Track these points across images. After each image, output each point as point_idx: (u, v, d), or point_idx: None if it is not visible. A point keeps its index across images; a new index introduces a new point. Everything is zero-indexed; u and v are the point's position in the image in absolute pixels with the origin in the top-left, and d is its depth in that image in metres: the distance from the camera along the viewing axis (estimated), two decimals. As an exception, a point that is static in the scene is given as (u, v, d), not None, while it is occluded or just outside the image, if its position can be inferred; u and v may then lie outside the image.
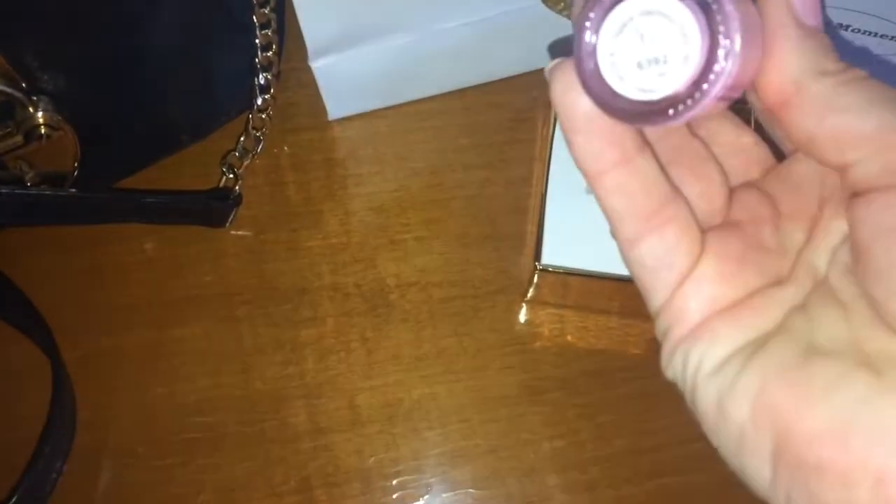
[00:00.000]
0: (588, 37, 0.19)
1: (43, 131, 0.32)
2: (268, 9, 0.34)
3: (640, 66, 0.19)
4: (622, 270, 0.31)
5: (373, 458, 0.36)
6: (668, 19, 0.19)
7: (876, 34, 0.36)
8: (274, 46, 0.36)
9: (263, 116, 0.38)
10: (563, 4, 0.32)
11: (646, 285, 0.24)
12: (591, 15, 0.19)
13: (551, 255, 0.35)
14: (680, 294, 0.24)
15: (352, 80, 0.38)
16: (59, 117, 0.32)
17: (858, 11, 0.35)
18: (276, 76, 0.37)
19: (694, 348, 0.23)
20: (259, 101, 0.38)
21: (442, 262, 0.39)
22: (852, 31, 0.36)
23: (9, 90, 0.31)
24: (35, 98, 0.32)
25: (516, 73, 0.41)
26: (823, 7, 0.21)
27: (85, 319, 0.38)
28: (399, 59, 0.38)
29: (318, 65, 0.36)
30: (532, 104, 0.41)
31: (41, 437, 0.34)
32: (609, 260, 0.34)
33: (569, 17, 0.32)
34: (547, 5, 0.31)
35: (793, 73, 0.20)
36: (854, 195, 0.20)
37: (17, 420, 0.36)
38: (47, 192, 0.33)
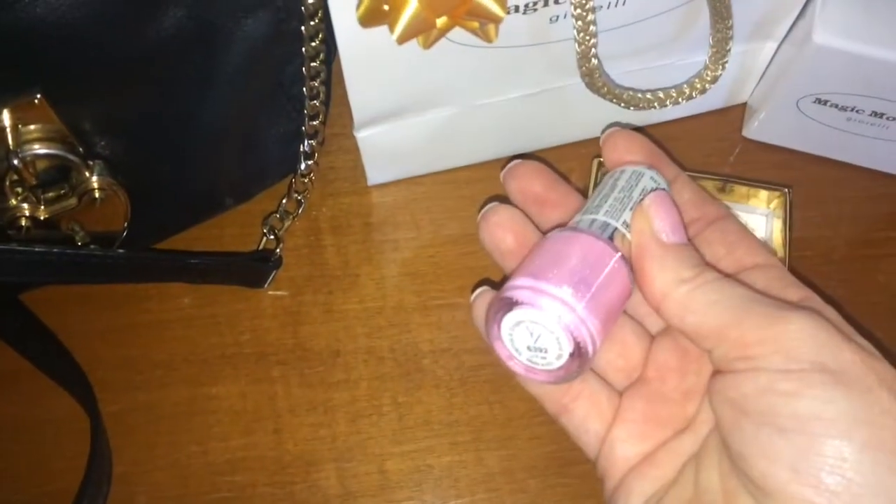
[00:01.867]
0: (495, 319, 0.28)
1: (97, 195, 0.33)
2: (318, 82, 0.35)
3: (529, 349, 0.28)
4: None
5: (401, 525, 0.36)
6: (548, 330, 0.26)
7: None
8: (321, 116, 0.37)
9: (306, 181, 0.39)
10: (606, 89, 0.33)
11: (578, 444, 0.31)
12: (496, 312, 0.28)
13: None
14: (602, 454, 0.29)
15: (393, 149, 0.39)
16: (113, 182, 0.33)
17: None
18: (321, 143, 0.38)
19: (619, 501, 0.28)
20: (303, 167, 0.39)
21: (474, 330, 0.39)
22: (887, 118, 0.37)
23: (67, 155, 0.32)
24: (91, 163, 0.33)
25: (554, 144, 0.42)
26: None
27: (123, 375, 0.38)
28: (440, 131, 0.39)
29: (362, 135, 0.37)
30: (567, 175, 0.42)
31: (79, 490, 0.34)
32: None
33: (611, 99, 0.33)
34: (590, 89, 0.32)
35: (658, 285, 0.26)
36: (715, 372, 0.26)
37: (53, 473, 0.36)
38: (97, 253, 0.34)
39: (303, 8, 0.32)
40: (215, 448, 0.37)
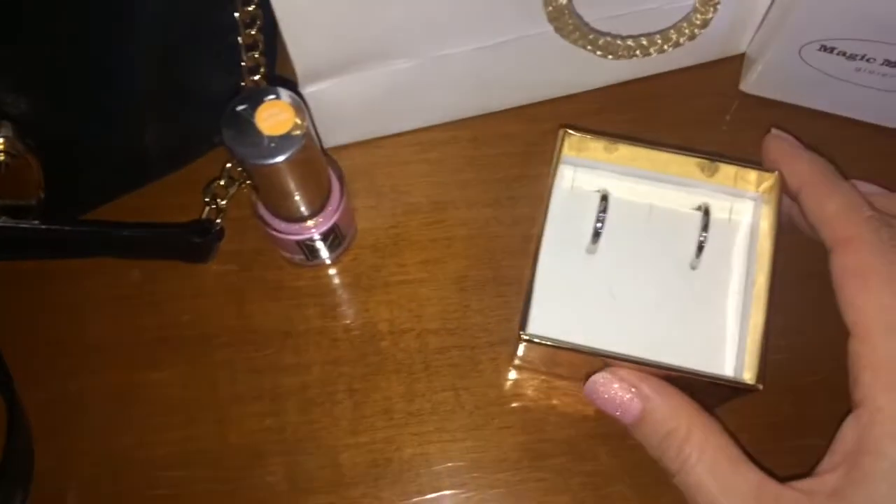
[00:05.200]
0: None
1: (2, 159, 0.30)
2: (255, 29, 0.31)
3: None
4: (615, 347, 0.28)
5: (355, 525, 0.33)
6: None
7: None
8: (262, 69, 0.33)
9: (251, 144, 0.35)
10: (578, 34, 0.28)
11: None
12: None
13: (540, 323, 0.31)
14: None
15: (346, 108, 0.35)
16: (21, 145, 0.30)
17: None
18: (265, 101, 0.34)
19: None
20: (246, 128, 0.34)
21: (440, 308, 0.36)
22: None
23: (-36, 114, 0.28)
24: (-5, 123, 0.29)
25: (528, 102, 0.38)
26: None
27: (52, 360, 0.35)
28: (399, 86, 0.35)
29: (308, 91, 0.33)
30: (544, 137, 0.38)
31: (-8, 490, 0.31)
32: (600, 334, 0.31)
33: (584, 46, 0.29)
34: (560, 34, 0.28)
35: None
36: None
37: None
38: (7, 225, 0.30)
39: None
40: (152, 440, 0.34)
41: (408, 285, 0.36)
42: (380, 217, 0.37)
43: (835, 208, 0.30)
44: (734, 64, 0.39)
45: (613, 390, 0.29)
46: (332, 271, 0.36)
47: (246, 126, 0.27)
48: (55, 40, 0.29)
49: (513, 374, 0.35)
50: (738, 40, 0.38)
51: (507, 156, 0.38)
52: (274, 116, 0.27)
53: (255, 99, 0.27)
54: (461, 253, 0.37)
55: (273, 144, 0.27)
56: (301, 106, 0.27)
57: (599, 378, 0.29)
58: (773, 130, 0.33)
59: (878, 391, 0.26)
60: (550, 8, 0.27)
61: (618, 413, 0.29)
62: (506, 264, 0.36)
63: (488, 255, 0.36)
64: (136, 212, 0.37)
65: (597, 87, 0.38)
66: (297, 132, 0.27)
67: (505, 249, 0.36)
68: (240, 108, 0.27)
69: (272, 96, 0.27)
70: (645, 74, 0.38)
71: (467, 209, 0.37)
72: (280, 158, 0.27)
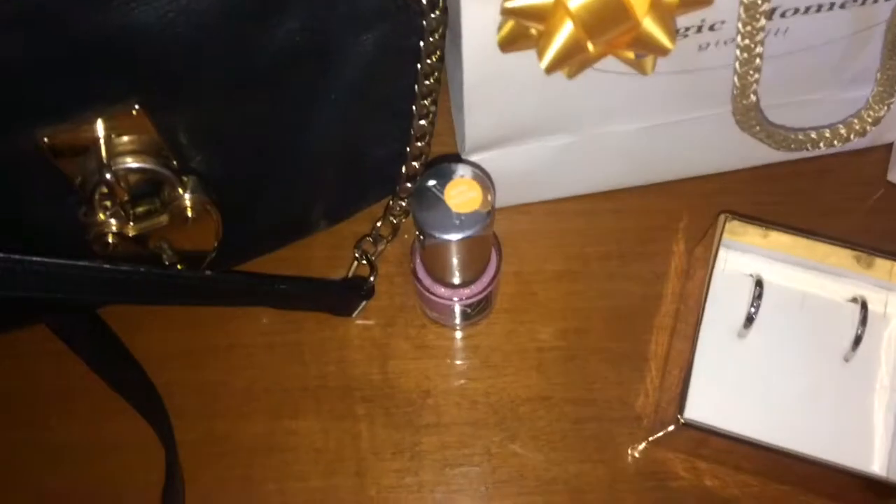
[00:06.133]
0: None
1: (189, 213, 0.31)
2: (429, 101, 0.32)
3: None
4: (765, 435, 0.28)
5: (490, 591, 0.33)
6: None
7: None
8: (427, 137, 0.34)
9: (404, 204, 0.36)
10: (759, 128, 0.29)
11: None
12: None
13: (693, 406, 0.31)
14: None
15: (501, 175, 0.36)
16: (207, 199, 0.31)
17: None
18: (424, 165, 0.35)
19: None
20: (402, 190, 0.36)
21: (578, 378, 0.36)
22: None
23: (161, 169, 0.30)
24: (185, 178, 0.31)
25: (675, 178, 0.39)
26: None
27: (201, 401, 0.36)
28: (554, 159, 0.35)
29: (472, 159, 0.34)
30: (688, 213, 0.38)
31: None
32: (750, 421, 0.31)
33: (762, 139, 0.30)
34: (741, 126, 0.29)
35: None
36: None
37: (122, 502, 0.34)
38: (185, 274, 0.32)
39: (424, 22, 0.29)
40: (293, 488, 0.35)
41: (547, 353, 0.36)
42: (522, 283, 0.38)
43: None
44: (881, 153, 0.39)
45: None
46: (473, 332, 0.37)
47: (435, 201, 0.28)
48: (252, 104, 0.30)
49: (648, 451, 0.35)
50: (889, 131, 0.38)
51: (650, 230, 0.38)
52: (463, 194, 0.28)
53: (445, 175, 0.28)
54: (601, 324, 0.37)
55: (458, 221, 0.28)
56: (488, 185, 0.28)
57: None
58: None
59: None
60: (740, 104, 0.27)
61: None
62: (645, 339, 0.37)
63: (629, 328, 0.37)
64: (285, 261, 0.38)
65: (746, 167, 0.38)
66: (485, 210, 0.28)
67: (645, 324, 0.37)
68: (430, 182, 0.28)
69: (461, 174, 0.28)
70: (793, 158, 0.38)
71: (608, 281, 0.38)
72: (465, 235, 0.28)
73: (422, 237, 0.29)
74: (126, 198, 0.30)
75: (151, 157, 0.30)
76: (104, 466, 0.35)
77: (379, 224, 0.37)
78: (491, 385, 0.36)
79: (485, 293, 0.33)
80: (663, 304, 0.37)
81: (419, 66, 0.31)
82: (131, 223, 0.31)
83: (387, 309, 0.38)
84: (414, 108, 0.33)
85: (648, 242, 0.38)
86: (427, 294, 0.33)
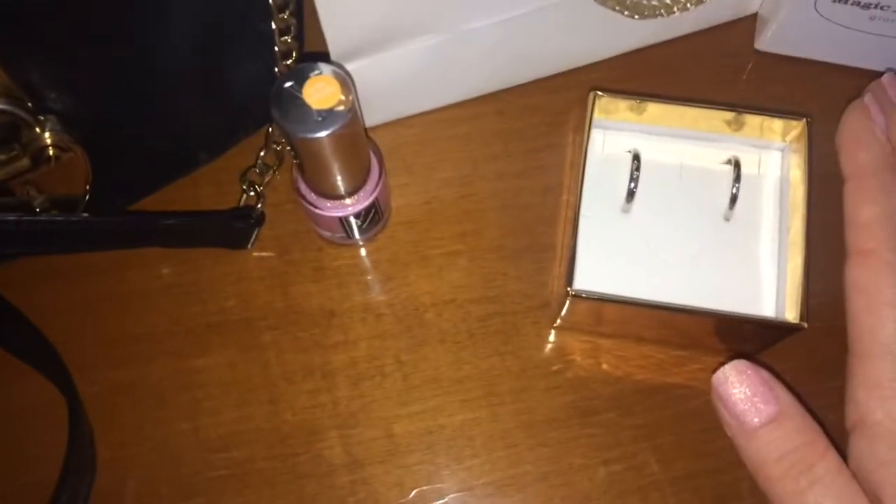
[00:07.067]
0: None
1: (51, 153, 0.30)
2: (287, 13, 0.32)
3: None
4: (660, 296, 0.29)
5: (415, 491, 0.33)
6: None
7: None
8: (294, 53, 0.34)
9: (283, 128, 0.36)
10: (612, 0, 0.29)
11: None
12: None
13: (584, 281, 0.32)
14: None
15: (376, 87, 0.36)
16: (68, 137, 0.30)
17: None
18: (297, 86, 0.35)
19: None
20: (279, 113, 0.35)
21: (479, 278, 0.36)
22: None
23: (13, 110, 0.29)
24: (42, 118, 0.30)
25: (553, 73, 0.39)
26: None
27: (102, 352, 0.35)
28: (426, 63, 0.35)
29: (341, 71, 0.34)
30: (568, 106, 0.39)
31: (59, 480, 0.32)
32: (643, 288, 0.32)
33: (621, 12, 0.30)
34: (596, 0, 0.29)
35: None
36: None
37: (30, 462, 0.34)
38: (58, 218, 0.31)
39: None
40: (207, 423, 0.34)
41: (446, 258, 0.37)
42: (413, 194, 0.38)
43: (867, 216, 0.29)
44: (746, 24, 0.40)
45: (748, 378, 0.27)
46: (370, 249, 0.37)
47: (293, 101, 0.28)
48: (95, 36, 0.29)
49: (554, 337, 0.36)
50: (749, 1, 0.39)
51: (533, 127, 0.39)
52: (320, 91, 0.27)
53: (302, 75, 0.28)
54: (495, 223, 0.37)
55: (320, 118, 0.27)
56: (346, 79, 0.28)
57: (731, 370, 0.27)
58: (867, 97, 0.31)
59: (874, 407, 0.26)
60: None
61: (744, 410, 0.26)
62: (539, 231, 0.37)
63: (522, 223, 0.37)
64: (174, 203, 0.37)
65: (615, 54, 0.39)
66: (344, 106, 0.27)
67: (538, 218, 0.37)
68: (287, 84, 0.28)
69: (317, 71, 0.28)
70: (660, 40, 0.39)
71: (498, 181, 0.38)
72: (328, 131, 0.27)
73: (290, 147, 0.29)
74: (-22, 143, 0.29)
75: (2, 98, 0.29)
76: (7, 430, 0.34)
77: (262, 153, 0.37)
78: (394, 296, 0.36)
79: (370, 200, 0.33)
80: (554, 195, 0.38)
81: (268, -26, 0.30)
82: (-9, 170, 0.30)
83: (282, 237, 0.37)
84: (273, 23, 0.32)
85: (535, 138, 0.39)
86: (314, 210, 0.33)
